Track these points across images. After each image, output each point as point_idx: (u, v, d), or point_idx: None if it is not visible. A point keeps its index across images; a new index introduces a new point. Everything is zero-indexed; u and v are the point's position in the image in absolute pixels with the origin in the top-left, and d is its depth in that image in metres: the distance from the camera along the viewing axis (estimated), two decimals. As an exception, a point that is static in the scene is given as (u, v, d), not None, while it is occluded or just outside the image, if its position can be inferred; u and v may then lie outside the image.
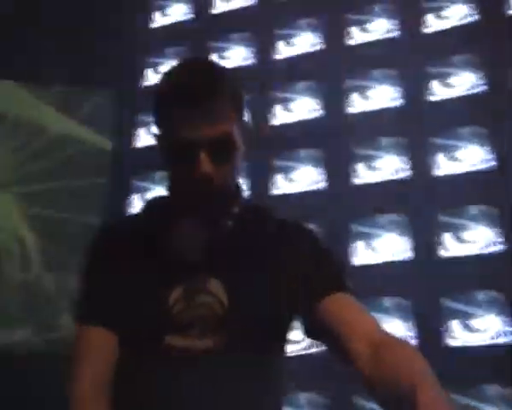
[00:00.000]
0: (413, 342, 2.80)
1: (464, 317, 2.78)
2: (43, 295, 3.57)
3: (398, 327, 2.84)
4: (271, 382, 1.21)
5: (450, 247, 2.90)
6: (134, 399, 1.13)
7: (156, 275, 1.17)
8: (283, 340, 1.24)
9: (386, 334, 1.09)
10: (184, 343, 1.12)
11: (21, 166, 3.82)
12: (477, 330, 2.75)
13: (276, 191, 3.29)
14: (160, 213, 1.24)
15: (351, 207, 3.14)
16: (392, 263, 2.96)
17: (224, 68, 1.22)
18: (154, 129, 1.23)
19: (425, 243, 2.95)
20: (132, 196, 3.57)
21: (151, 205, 1.32)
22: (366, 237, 3.06)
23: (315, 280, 1.17)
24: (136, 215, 1.32)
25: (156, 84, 1.22)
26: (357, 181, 3.17)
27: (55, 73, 3.71)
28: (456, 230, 2.92)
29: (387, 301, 2.90)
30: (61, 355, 3.33)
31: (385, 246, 3.01)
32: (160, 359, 1.13)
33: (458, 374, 2.59)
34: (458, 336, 2.76)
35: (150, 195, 3.55)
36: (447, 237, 2.92)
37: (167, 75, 1.21)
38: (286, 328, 1.25)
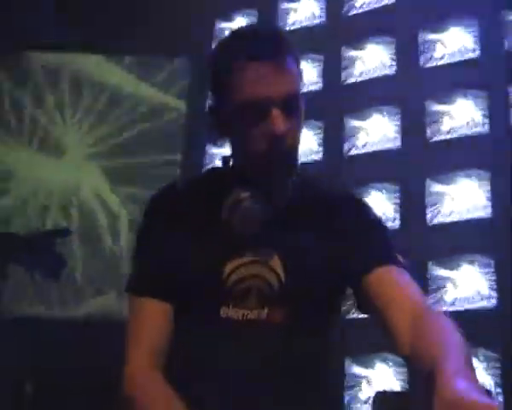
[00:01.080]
0: (494, 301, 2.75)
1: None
2: (128, 265, 3.68)
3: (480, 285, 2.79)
4: (325, 352, 1.21)
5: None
6: (188, 366, 1.14)
7: (213, 245, 1.16)
8: (337, 312, 1.25)
9: (427, 310, 1.07)
10: (239, 314, 1.13)
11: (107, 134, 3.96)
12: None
13: (350, 152, 3.25)
14: (219, 182, 1.21)
15: (425, 165, 3.08)
16: (470, 221, 2.89)
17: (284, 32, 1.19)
18: (212, 95, 1.18)
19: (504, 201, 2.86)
20: (207, 162, 3.63)
21: (210, 174, 1.31)
22: (443, 195, 2.99)
23: (363, 253, 1.16)
24: (196, 181, 1.29)
25: (219, 47, 1.18)
26: (433, 138, 3.09)
27: (133, 41, 3.79)
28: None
29: (467, 259, 2.84)
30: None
31: (463, 203, 2.94)
32: (215, 329, 1.13)
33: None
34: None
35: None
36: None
37: (234, 35, 1.17)
38: (339, 301, 1.25)
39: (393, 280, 1.12)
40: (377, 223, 1.24)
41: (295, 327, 1.13)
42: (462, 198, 2.93)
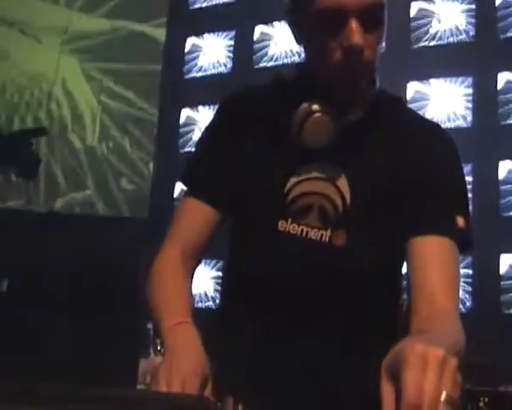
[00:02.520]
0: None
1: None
2: (105, 161, 3.69)
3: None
4: (388, 287, 1.15)
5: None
6: (243, 275, 1.15)
7: (280, 155, 1.11)
8: (401, 242, 1.10)
9: (449, 303, 1.02)
10: (298, 230, 1.09)
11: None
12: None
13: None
14: (290, 91, 1.14)
15: (410, 68, 3.06)
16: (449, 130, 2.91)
17: None
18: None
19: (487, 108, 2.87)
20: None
21: (281, 81, 1.21)
22: (425, 97, 2.98)
23: (424, 210, 1.08)
24: (266, 89, 1.21)
25: None
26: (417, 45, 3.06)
27: None
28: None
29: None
30: (119, 217, 3.50)
31: (441, 110, 2.95)
32: (272, 242, 1.10)
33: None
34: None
35: (204, 42, 3.56)
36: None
37: None
38: (404, 231, 1.10)
39: (435, 257, 1.05)
40: (453, 172, 1.14)
41: (357, 252, 1.09)
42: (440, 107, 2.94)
